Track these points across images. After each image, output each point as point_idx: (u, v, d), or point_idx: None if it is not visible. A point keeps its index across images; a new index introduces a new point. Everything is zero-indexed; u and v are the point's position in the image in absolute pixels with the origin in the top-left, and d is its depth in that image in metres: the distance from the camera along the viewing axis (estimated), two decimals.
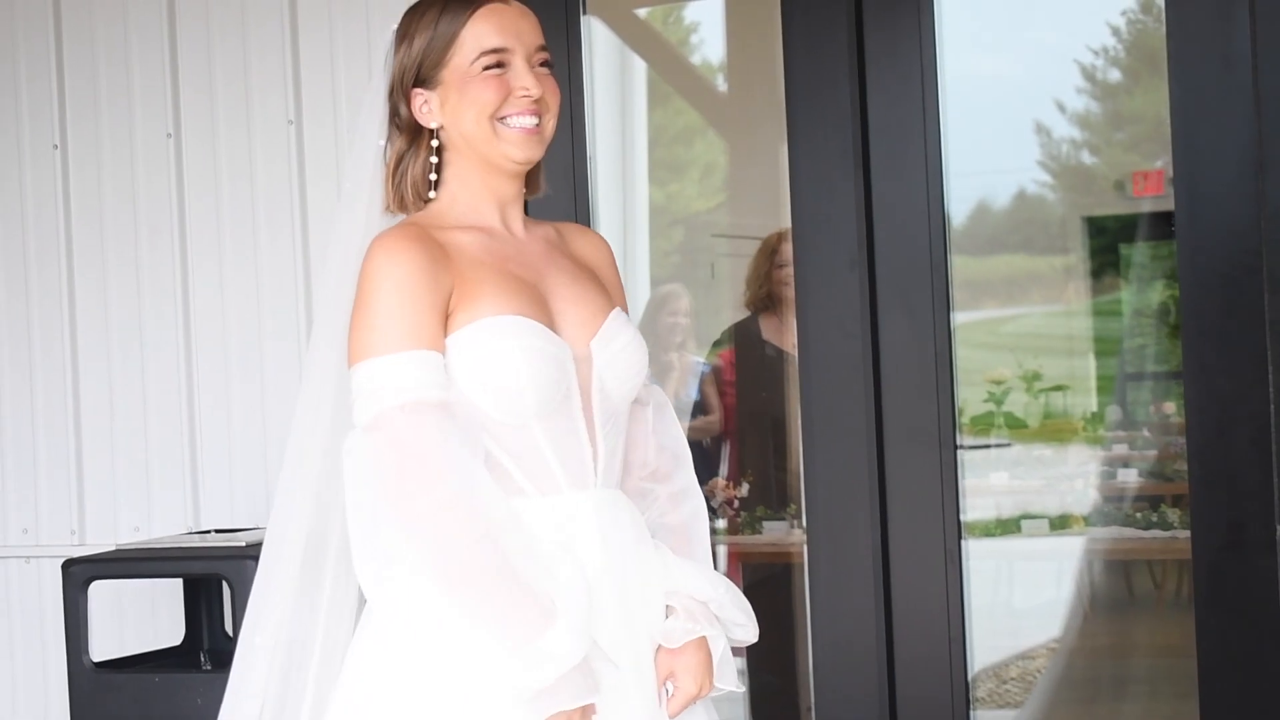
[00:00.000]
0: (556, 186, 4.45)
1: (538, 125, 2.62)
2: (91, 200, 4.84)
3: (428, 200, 2.65)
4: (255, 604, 2.68)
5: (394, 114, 2.67)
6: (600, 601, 2.52)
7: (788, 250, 4.48)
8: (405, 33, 2.66)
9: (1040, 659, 6.19)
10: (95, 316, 4.84)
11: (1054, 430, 7.69)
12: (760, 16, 4.26)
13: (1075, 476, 6.83)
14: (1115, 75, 7.84)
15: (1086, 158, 8.20)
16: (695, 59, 7.35)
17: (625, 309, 2.72)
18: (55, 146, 4.88)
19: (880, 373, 4.10)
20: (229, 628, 4.41)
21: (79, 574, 4.26)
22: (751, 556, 5.79)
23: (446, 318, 2.51)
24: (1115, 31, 7.50)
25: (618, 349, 2.61)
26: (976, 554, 4.23)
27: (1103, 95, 7.94)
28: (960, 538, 4.10)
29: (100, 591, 4.42)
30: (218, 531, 4.48)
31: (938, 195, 4.06)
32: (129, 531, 4.76)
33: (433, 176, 2.64)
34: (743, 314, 5.87)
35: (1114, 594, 6.51)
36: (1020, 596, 6.76)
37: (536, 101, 2.62)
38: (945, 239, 4.07)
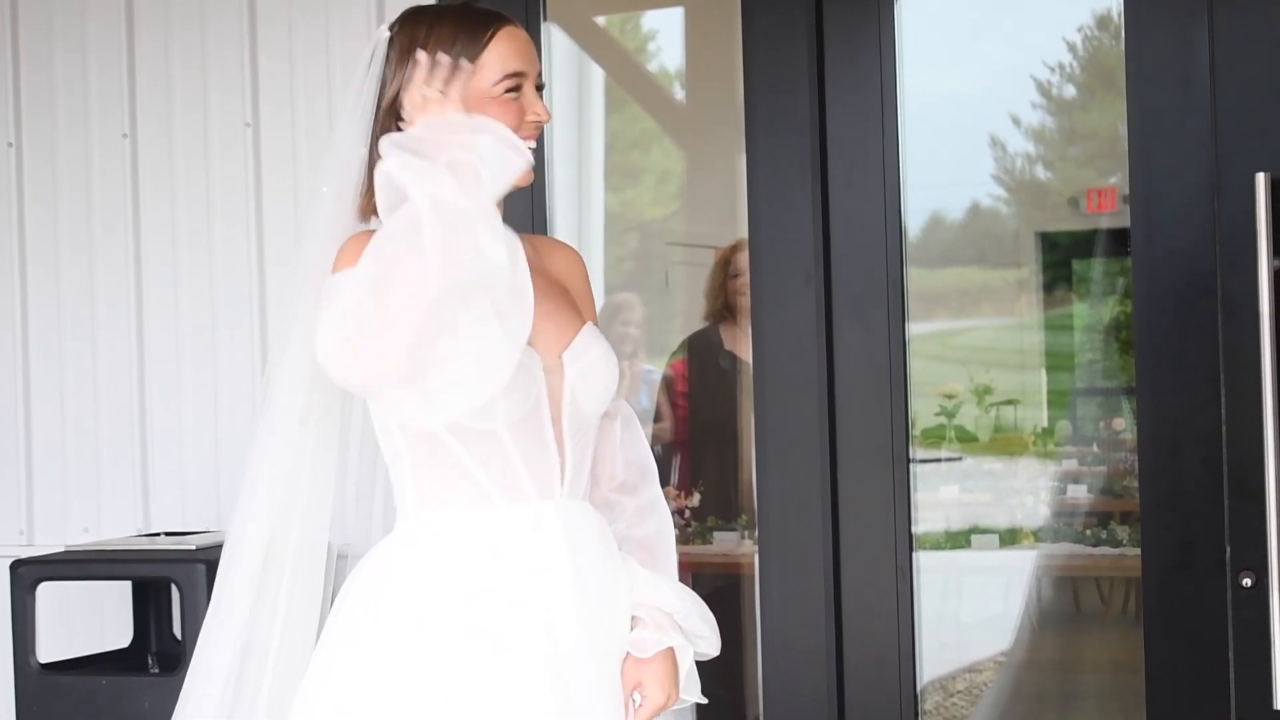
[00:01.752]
0: (515, 192, 4.46)
1: (533, 149, 2.59)
2: (46, 199, 4.82)
3: None
4: (214, 610, 2.67)
5: (388, 126, 2.59)
6: (565, 610, 2.53)
7: (743, 260, 4.49)
8: (412, 45, 2.59)
9: (987, 672, 6.20)
10: (48, 316, 4.81)
11: (1004, 444, 7.70)
12: (720, 26, 4.27)
13: (1025, 491, 6.85)
14: (1070, 91, 7.88)
15: (1041, 172, 8.23)
16: (653, 66, 7.36)
17: (595, 322, 2.74)
18: (10, 144, 4.85)
19: (834, 386, 4.11)
20: (177, 631, 4.39)
21: (27, 575, 4.23)
22: (702, 567, 5.79)
23: None
24: (1071, 48, 7.53)
25: (589, 362, 2.62)
26: (925, 567, 4.24)
27: (1058, 111, 7.97)
28: (911, 551, 4.11)
29: (48, 593, 4.39)
30: (167, 534, 4.46)
31: (895, 209, 4.07)
32: (78, 532, 4.74)
33: None
34: (699, 323, 5.88)
35: (1062, 609, 6.53)
36: (968, 610, 6.77)
37: (539, 126, 2.63)
38: (902, 253, 4.08)
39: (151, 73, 4.73)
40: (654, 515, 2.76)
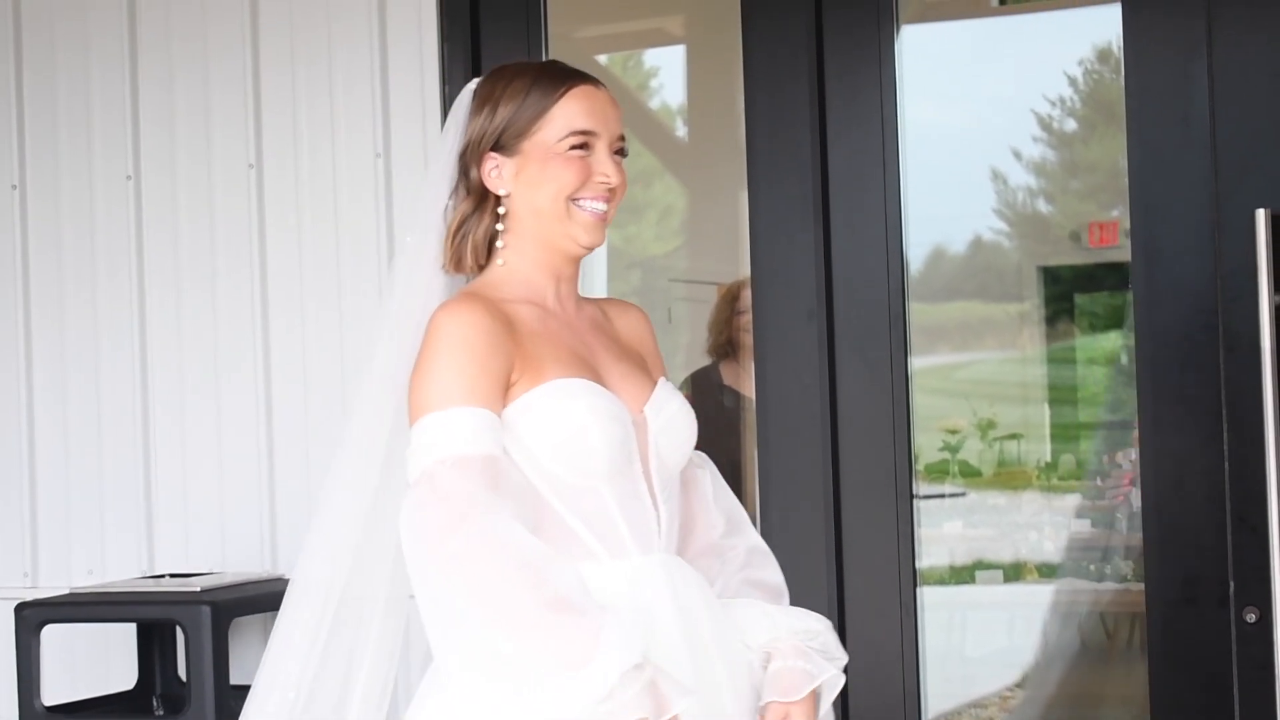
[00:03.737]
0: None
1: (605, 212, 2.62)
2: (50, 242, 4.83)
3: (483, 266, 2.66)
4: (273, 651, 2.67)
5: (464, 175, 2.66)
6: (675, 662, 2.50)
7: (747, 297, 4.50)
8: (490, 96, 2.65)
9: (992, 708, 6.20)
10: (52, 358, 4.82)
11: (1008, 478, 7.71)
12: (721, 63, 4.29)
13: (1029, 526, 6.85)
14: (1071, 125, 7.90)
15: (1042, 206, 8.24)
16: (655, 103, 7.38)
17: (667, 378, 2.76)
18: (14, 186, 4.86)
19: (837, 421, 4.11)
20: (182, 673, 4.39)
21: (32, 617, 4.23)
22: None
23: (507, 388, 2.51)
24: (1072, 82, 7.55)
25: (670, 415, 2.63)
26: (930, 602, 4.24)
27: (1059, 144, 7.99)
28: (915, 586, 4.11)
29: (53, 635, 4.39)
30: (172, 575, 4.46)
31: (897, 247, 4.08)
32: (83, 574, 4.74)
33: (499, 244, 2.64)
34: (702, 360, 5.88)
35: (1066, 643, 6.53)
36: (973, 645, 6.77)
37: (611, 190, 2.62)
38: (904, 291, 4.09)
39: (155, 115, 4.75)
40: (767, 558, 2.77)
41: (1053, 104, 7.79)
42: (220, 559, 4.61)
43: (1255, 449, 3.65)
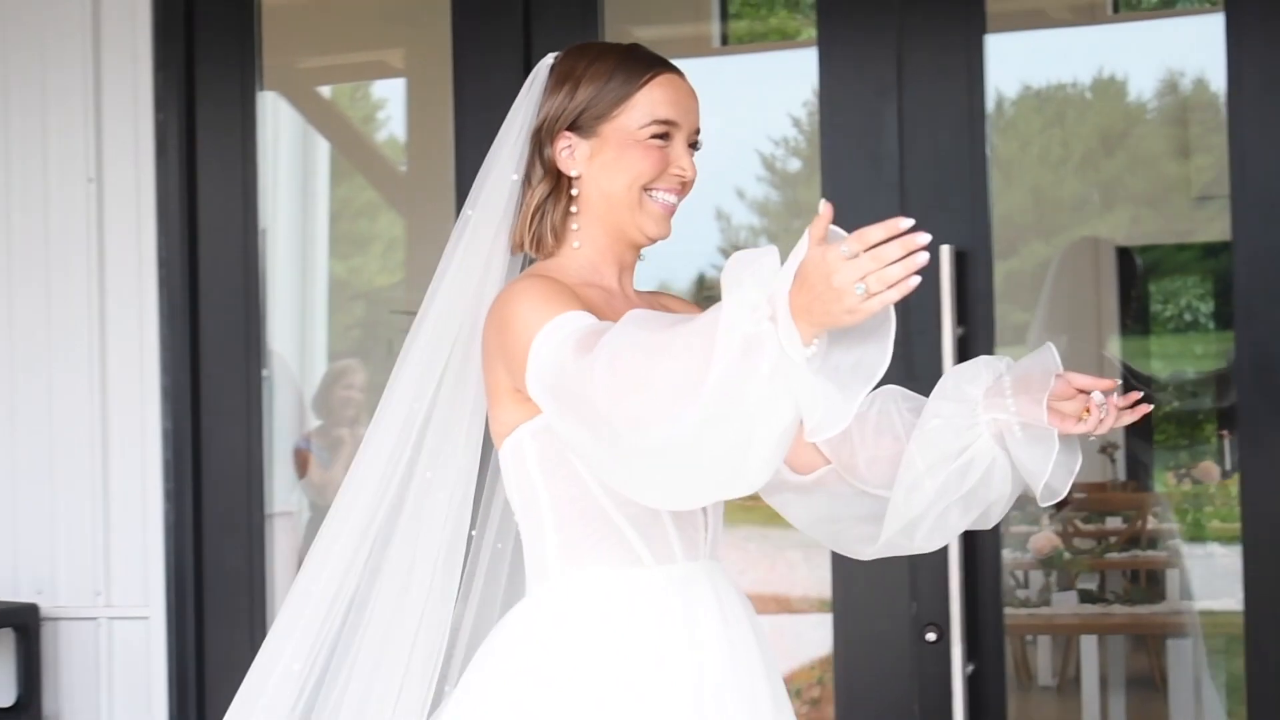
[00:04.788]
0: (229, 257, 4.47)
1: (675, 204, 2.58)
2: None
3: (561, 245, 2.59)
4: (316, 552, 2.63)
5: (537, 153, 2.59)
6: (718, 668, 2.49)
7: None
8: (570, 74, 2.58)
9: None
10: None
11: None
12: (440, 96, 4.33)
13: None
14: (795, 165, 8.08)
15: (764, 244, 8.42)
16: (383, 135, 7.39)
17: None
18: None
19: None
20: None
21: None
22: None
23: None
24: (796, 122, 7.73)
25: None
26: None
27: (782, 184, 8.17)
28: None
29: None
30: None
31: None
32: None
33: (574, 226, 2.58)
34: None
35: None
36: None
37: (684, 183, 2.58)
38: None
39: None
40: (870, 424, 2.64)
41: (776, 144, 7.97)
42: (12, 586, 4.56)
43: None
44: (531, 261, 2.62)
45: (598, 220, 2.57)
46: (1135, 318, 7.76)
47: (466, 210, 2.64)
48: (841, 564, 3.90)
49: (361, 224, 7.84)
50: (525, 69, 4.18)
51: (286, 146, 6.60)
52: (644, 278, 2.71)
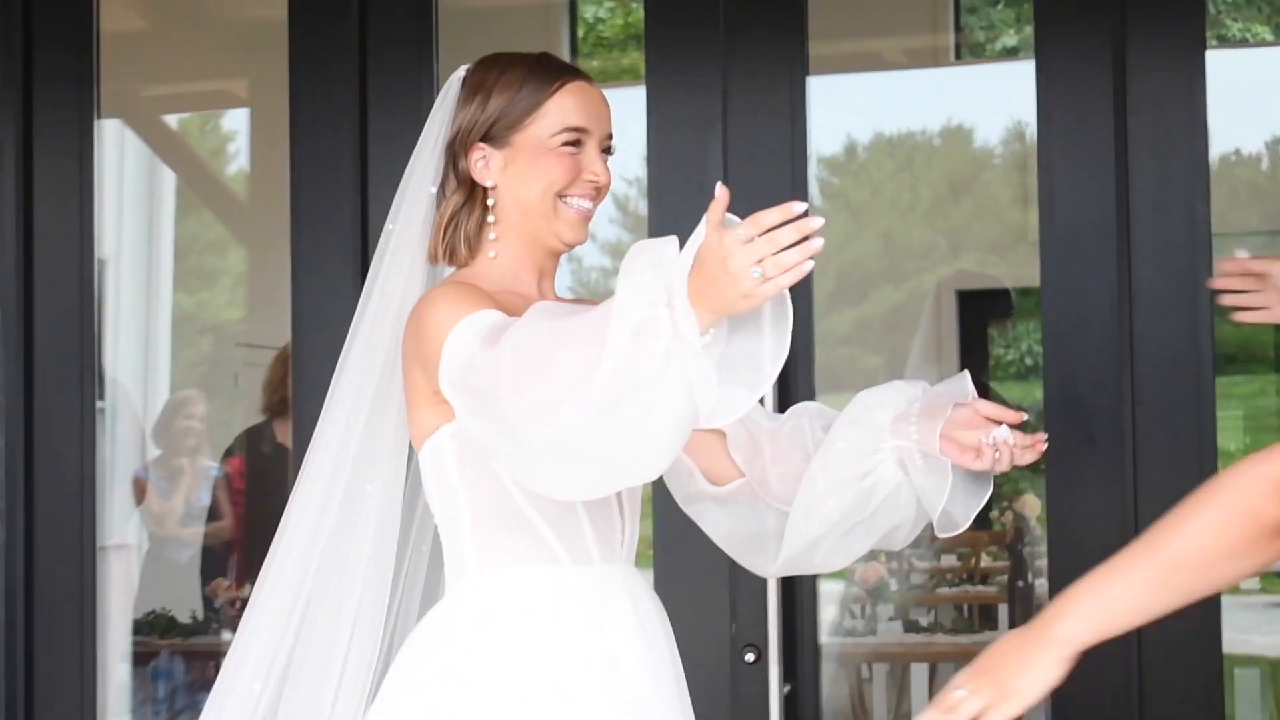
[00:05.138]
0: (65, 284, 4.45)
1: (591, 210, 2.61)
2: None
3: (475, 255, 2.61)
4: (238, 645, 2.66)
5: (452, 165, 2.62)
6: (632, 658, 2.53)
7: None
8: (481, 85, 2.62)
9: None
10: None
11: None
12: (283, 128, 4.34)
13: None
14: (645, 207, 8.15)
15: (614, 285, 8.46)
16: (234, 167, 7.38)
17: None
18: None
19: None
20: None
21: None
22: None
23: None
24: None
25: None
26: None
27: (634, 226, 8.24)
28: None
29: None
30: None
31: None
32: None
33: (491, 236, 2.60)
34: (259, 419, 5.93)
35: None
36: None
37: (599, 188, 2.61)
38: None
39: None
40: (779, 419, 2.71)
41: (629, 184, 8.05)
42: None
43: None
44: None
45: (515, 229, 2.60)
46: (983, 359, 7.88)
47: (388, 225, 2.66)
48: (662, 584, 3.95)
49: (210, 259, 7.83)
50: (361, 100, 4.23)
51: (132, 177, 6.58)
52: None
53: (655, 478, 2.34)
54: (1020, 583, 6.12)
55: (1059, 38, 3.94)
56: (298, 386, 4.29)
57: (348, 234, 4.22)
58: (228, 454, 6.15)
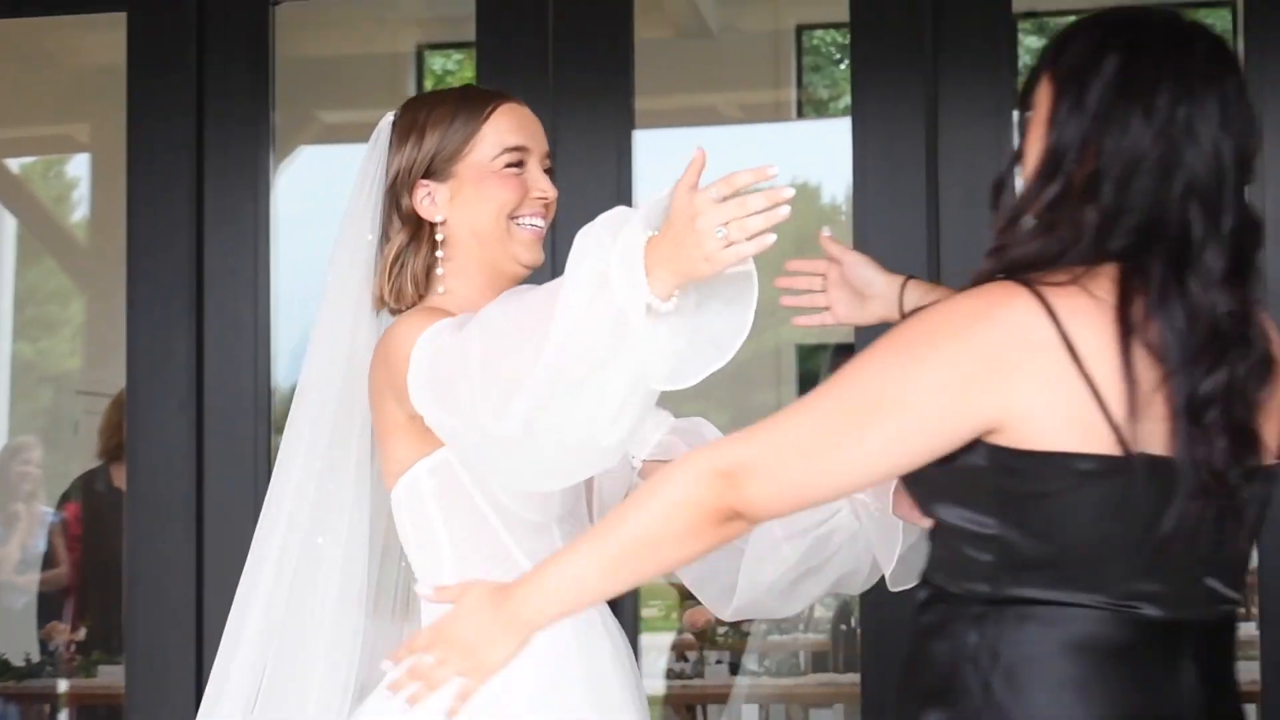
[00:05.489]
0: None
1: (543, 228, 2.61)
2: None
3: (424, 295, 2.59)
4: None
5: (395, 206, 2.60)
6: (604, 674, 2.55)
7: None
8: (413, 125, 2.60)
9: None
10: None
11: None
12: (123, 177, 4.36)
13: None
14: None
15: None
16: (77, 214, 7.30)
17: None
18: None
19: (203, 506, 4.19)
20: None
21: None
22: (85, 699, 5.82)
23: None
24: None
25: None
26: None
27: None
28: None
29: None
30: None
31: (265, 347, 4.18)
32: None
33: (439, 271, 2.58)
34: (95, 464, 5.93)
35: None
36: None
37: (547, 205, 2.61)
38: (269, 381, 4.19)
39: None
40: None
41: None
42: None
43: None
44: None
45: (471, 258, 2.59)
46: None
47: (327, 276, 2.65)
48: None
49: (51, 308, 7.78)
50: (198, 148, 4.23)
51: None
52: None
53: (619, 456, 2.36)
54: (844, 626, 6.19)
55: (874, 98, 4.05)
56: (133, 430, 4.27)
57: (183, 279, 4.22)
58: (64, 499, 6.13)
